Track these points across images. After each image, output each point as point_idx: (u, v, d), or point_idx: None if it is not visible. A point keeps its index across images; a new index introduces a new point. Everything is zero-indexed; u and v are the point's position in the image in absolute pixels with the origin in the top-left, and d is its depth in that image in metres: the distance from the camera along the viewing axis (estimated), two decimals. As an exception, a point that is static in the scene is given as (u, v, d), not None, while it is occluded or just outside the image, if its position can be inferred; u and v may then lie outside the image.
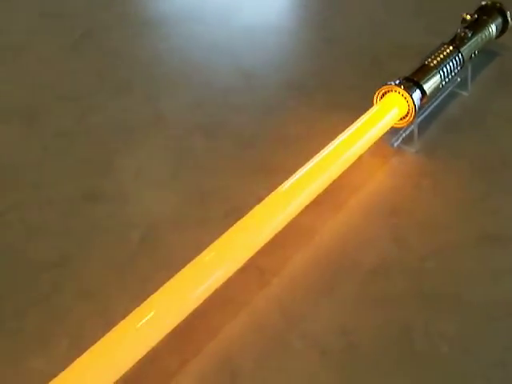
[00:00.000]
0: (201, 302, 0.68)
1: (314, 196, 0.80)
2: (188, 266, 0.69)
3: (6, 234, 0.84)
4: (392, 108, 0.91)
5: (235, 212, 0.78)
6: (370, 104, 0.94)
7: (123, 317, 0.65)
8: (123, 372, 0.63)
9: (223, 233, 0.73)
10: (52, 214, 0.86)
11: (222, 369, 0.68)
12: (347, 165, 0.85)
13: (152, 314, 0.65)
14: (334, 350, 0.69)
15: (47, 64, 1.19)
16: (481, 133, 0.98)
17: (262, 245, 0.74)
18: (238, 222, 0.74)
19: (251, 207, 0.76)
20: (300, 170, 0.80)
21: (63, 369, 0.60)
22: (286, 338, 0.70)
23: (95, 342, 0.63)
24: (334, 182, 0.83)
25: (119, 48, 1.24)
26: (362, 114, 0.91)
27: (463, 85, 1.05)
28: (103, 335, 0.63)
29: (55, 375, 0.60)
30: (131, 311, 0.65)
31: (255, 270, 0.76)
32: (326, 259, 0.78)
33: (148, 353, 0.65)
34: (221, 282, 0.70)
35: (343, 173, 0.85)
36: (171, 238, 0.82)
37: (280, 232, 0.76)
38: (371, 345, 0.69)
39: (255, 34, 1.28)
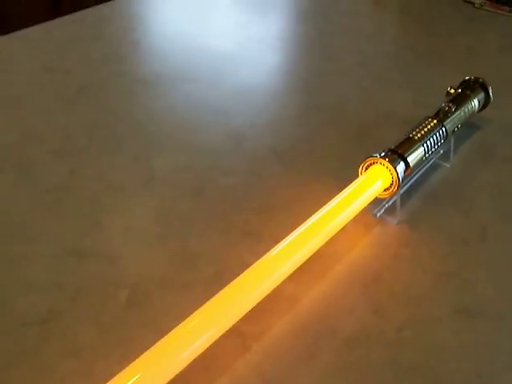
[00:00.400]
0: (185, 366, 0.70)
1: (299, 265, 0.83)
2: (173, 330, 0.70)
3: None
4: (376, 180, 0.94)
5: (221, 276, 0.81)
6: (355, 172, 0.97)
7: (108, 378, 0.66)
8: None
9: (208, 296, 0.75)
10: (39, 269, 0.87)
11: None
12: (331, 235, 0.88)
13: (138, 376, 0.66)
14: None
15: (42, 117, 1.21)
16: (461, 205, 1.01)
17: (247, 312, 0.76)
18: (224, 290, 0.76)
19: (236, 272, 0.78)
20: (286, 238, 0.83)
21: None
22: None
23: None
24: (317, 250, 0.86)
25: (112, 105, 1.27)
26: (347, 182, 0.94)
27: (445, 157, 1.09)
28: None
29: None
30: (116, 372, 0.66)
31: (237, 335, 0.77)
32: (307, 327, 0.80)
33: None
34: (205, 348, 0.71)
35: (326, 242, 0.87)
36: (157, 299, 0.83)
37: (263, 298, 0.78)
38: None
39: (246, 96, 1.32)
